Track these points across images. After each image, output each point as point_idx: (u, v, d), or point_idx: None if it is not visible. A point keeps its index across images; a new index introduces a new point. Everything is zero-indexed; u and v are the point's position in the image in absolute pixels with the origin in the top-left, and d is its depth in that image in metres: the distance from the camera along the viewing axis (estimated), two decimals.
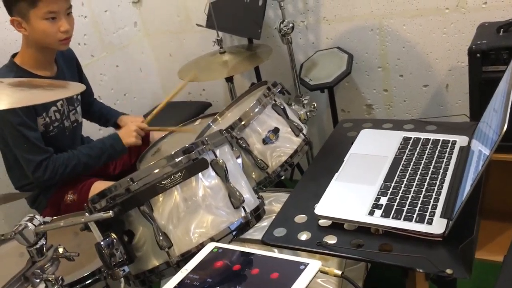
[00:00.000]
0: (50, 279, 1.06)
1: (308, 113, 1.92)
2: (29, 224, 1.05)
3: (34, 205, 1.94)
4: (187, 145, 1.17)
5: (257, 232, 1.37)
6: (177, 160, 1.14)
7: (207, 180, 1.16)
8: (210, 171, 1.17)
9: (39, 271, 1.05)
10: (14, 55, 1.76)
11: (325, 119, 2.58)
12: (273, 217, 1.56)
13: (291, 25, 1.87)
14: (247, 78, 2.66)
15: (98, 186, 1.84)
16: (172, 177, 1.11)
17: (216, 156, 1.19)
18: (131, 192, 1.10)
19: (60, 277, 1.13)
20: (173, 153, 1.15)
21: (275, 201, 1.62)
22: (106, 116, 2.16)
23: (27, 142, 1.67)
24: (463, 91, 2.19)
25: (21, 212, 2.00)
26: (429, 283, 1.15)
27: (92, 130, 2.38)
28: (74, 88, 1.09)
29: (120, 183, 1.12)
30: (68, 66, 1.94)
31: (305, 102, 1.93)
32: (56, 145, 1.82)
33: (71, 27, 1.72)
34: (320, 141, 2.62)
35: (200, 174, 1.15)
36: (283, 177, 1.55)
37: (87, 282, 1.36)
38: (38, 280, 1.06)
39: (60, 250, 1.11)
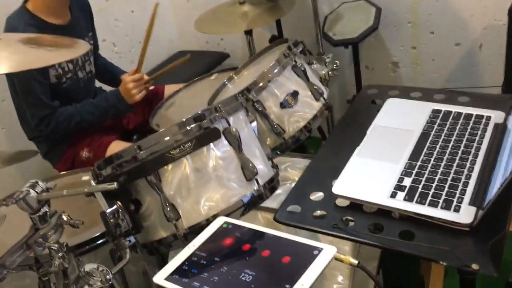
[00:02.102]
0: (53, 247, 1.03)
1: (330, 73, 1.81)
2: (31, 191, 1.00)
3: (47, 157, 1.92)
4: (199, 112, 1.09)
5: (270, 200, 1.32)
6: (188, 128, 1.06)
7: (219, 150, 1.09)
8: (223, 140, 1.10)
9: (41, 239, 1.01)
10: (26, 0, 1.67)
11: (347, 76, 2.46)
12: (288, 184, 1.51)
13: None
14: (268, 30, 2.53)
15: (115, 146, 1.79)
16: (182, 147, 1.04)
17: (229, 124, 1.11)
18: (138, 160, 1.04)
19: (64, 243, 1.09)
20: (184, 120, 1.08)
21: (291, 167, 1.55)
22: (111, 72, 2.07)
23: (32, 96, 1.63)
24: (498, 52, 2.05)
25: (36, 161, 1.97)
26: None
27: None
28: (81, 48, 1.01)
29: (127, 150, 1.06)
30: (82, 14, 1.85)
31: (328, 60, 1.81)
32: (70, 97, 1.77)
33: None
34: (341, 101, 2.51)
35: (212, 144, 1.08)
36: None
37: (97, 243, 1.35)
38: (40, 248, 1.02)
39: (64, 217, 1.07)
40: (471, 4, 2.06)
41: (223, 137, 1.09)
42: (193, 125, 1.06)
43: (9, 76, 1.66)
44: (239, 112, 1.18)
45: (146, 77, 1.85)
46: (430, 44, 2.24)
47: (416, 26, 2.22)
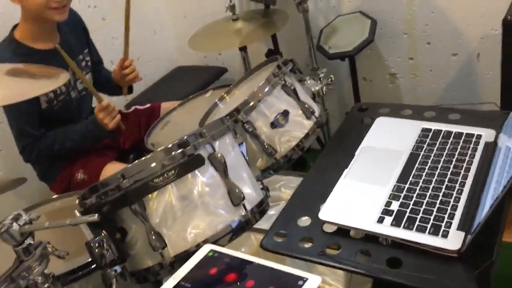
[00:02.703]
0: (38, 280, 1.02)
1: (324, 88, 1.80)
2: (14, 224, 0.99)
3: (44, 178, 1.92)
4: (184, 137, 1.08)
5: (264, 221, 1.30)
6: (171, 155, 1.05)
7: (204, 176, 1.08)
8: (208, 166, 1.08)
9: (25, 272, 1.00)
10: (14, 27, 1.68)
11: (346, 88, 2.44)
12: (281, 204, 1.50)
13: None
14: (264, 44, 2.52)
15: (110, 168, 1.78)
16: (165, 175, 1.02)
17: (214, 149, 1.09)
18: (122, 189, 1.03)
19: (50, 274, 1.08)
20: (168, 146, 1.07)
21: (285, 187, 1.53)
22: (115, 84, 2.06)
23: (16, 125, 1.68)
24: (495, 62, 2.01)
25: (33, 181, 1.96)
26: None
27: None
28: (62, 78, 1.01)
29: (111, 179, 1.05)
30: (73, 33, 1.85)
31: (322, 75, 1.79)
32: (62, 118, 1.77)
33: None
34: (340, 113, 2.49)
35: (196, 170, 1.06)
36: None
37: (89, 269, 1.33)
38: (24, 281, 1.01)
39: (49, 248, 1.06)
40: (467, 14, 2.04)
41: (208, 163, 1.08)
42: (177, 152, 1.05)
43: None
44: (226, 136, 1.16)
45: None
46: (427, 54, 2.22)
47: (412, 37, 2.20)
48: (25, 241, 1.01)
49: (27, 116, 1.64)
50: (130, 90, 2.00)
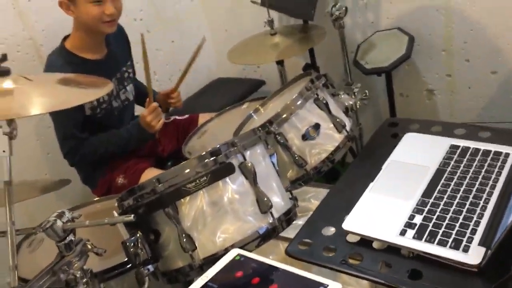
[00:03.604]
0: (77, 274, 1.09)
1: (358, 103, 1.83)
2: (58, 220, 1.07)
3: (86, 182, 2.02)
4: (217, 146, 1.14)
5: (292, 230, 1.34)
6: (204, 162, 1.11)
7: (234, 184, 1.13)
8: (238, 174, 1.13)
9: (66, 266, 1.08)
10: (65, 38, 1.79)
11: (382, 103, 2.45)
12: (309, 215, 1.53)
13: (344, 8, 1.76)
14: (302, 58, 2.57)
15: (148, 174, 1.87)
16: (198, 181, 1.08)
17: (245, 159, 1.15)
18: (157, 193, 1.09)
19: (88, 270, 1.16)
20: (202, 154, 1.13)
21: (314, 198, 1.57)
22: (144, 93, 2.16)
23: (63, 128, 1.76)
24: None
25: (77, 185, 2.07)
26: None
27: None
28: (106, 88, 1.09)
29: (147, 183, 1.12)
30: (119, 46, 1.95)
31: (356, 90, 1.82)
32: (104, 125, 1.86)
33: (117, 10, 1.72)
34: (375, 128, 2.49)
35: (227, 177, 1.12)
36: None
37: (125, 268, 1.40)
38: (65, 275, 1.08)
39: (89, 245, 1.13)
40: (507, 32, 2.02)
41: (238, 171, 1.13)
42: (209, 160, 1.11)
43: None
44: (257, 146, 1.21)
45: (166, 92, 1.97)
46: (465, 72, 2.21)
47: (450, 54, 2.20)
48: (67, 237, 1.09)
49: (73, 121, 1.74)
50: (167, 110, 2.13)
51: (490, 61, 2.13)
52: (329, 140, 1.44)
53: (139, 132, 1.83)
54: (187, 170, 1.10)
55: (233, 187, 1.13)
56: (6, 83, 0.99)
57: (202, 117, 2.13)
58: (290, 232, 1.30)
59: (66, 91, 1.06)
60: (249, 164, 1.14)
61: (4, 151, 1.01)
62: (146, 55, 1.77)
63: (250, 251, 1.11)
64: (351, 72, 2.12)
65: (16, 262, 1.07)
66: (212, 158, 1.11)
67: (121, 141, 1.85)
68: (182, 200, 1.10)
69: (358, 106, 1.82)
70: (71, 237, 1.10)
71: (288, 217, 1.20)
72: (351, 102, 1.72)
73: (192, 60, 1.92)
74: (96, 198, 1.77)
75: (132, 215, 1.03)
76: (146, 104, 1.85)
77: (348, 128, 1.47)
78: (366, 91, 1.87)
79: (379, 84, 2.37)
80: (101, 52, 1.83)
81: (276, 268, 0.96)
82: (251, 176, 1.14)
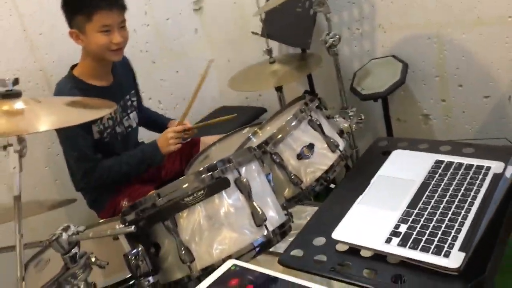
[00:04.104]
0: (81, 285, 1.15)
1: (353, 126, 1.90)
2: (63, 233, 1.14)
3: (93, 206, 2.08)
4: (214, 162, 1.21)
5: (284, 244, 1.39)
6: (201, 177, 1.18)
7: (230, 198, 1.19)
8: (234, 189, 1.20)
9: (70, 277, 1.14)
10: (72, 67, 1.89)
11: (380, 128, 2.52)
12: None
13: (337, 37, 1.85)
14: (301, 85, 2.66)
15: None
16: (195, 195, 1.15)
17: (240, 174, 1.21)
18: (157, 207, 1.16)
19: (92, 283, 1.21)
20: (200, 169, 1.20)
21: (310, 216, 1.61)
22: (158, 121, 2.25)
23: (78, 151, 1.79)
24: None
25: (83, 209, 2.14)
26: None
27: (152, 134, 2.49)
28: (111, 108, 1.18)
29: (148, 197, 1.18)
30: (124, 75, 2.05)
31: (351, 114, 1.90)
32: (109, 150, 1.93)
33: (124, 39, 1.82)
34: None
35: (223, 192, 1.18)
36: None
37: (129, 283, 1.45)
38: (69, 286, 1.14)
39: (92, 258, 1.19)
40: (497, 58, 2.10)
41: (234, 186, 1.20)
42: (206, 175, 1.18)
43: (58, 132, 1.87)
44: (252, 163, 1.28)
45: (189, 125, 2.03)
46: (459, 96, 2.28)
47: (444, 79, 2.28)
48: (72, 250, 1.15)
49: (84, 142, 1.81)
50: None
51: (482, 86, 2.20)
52: (323, 159, 1.50)
53: (152, 149, 1.91)
54: (185, 185, 1.17)
55: (229, 201, 1.19)
56: (18, 104, 1.07)
57: (204, 141, 2.21)
58: (283, 246, 1.35)
59: (73, 111, 1.15)
60: (244, 180, 1.21)
61: (14, 168, 1.09)
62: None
63: (246, 262, 1.16)
64: (348, 98, 2.20)
65: (24, 274, 1.12)
66: (208, 174, 1.18)
67: (134, 160, 1.91)
68: (180, 213, 1.17)
69: (353, 129, 1.90)
70: (75, 249, 1.16)
71: (283, 230, 1.26)
72: (346, 125, 1.80)
73: (201, 82, 2.01)
74: (102, 220, 1.82)
75: (133, 226, 1.10)
76: (177, 123, 1.97)
77: (341, 148, 1.54)
78: (362, 115, 1.94)
79: (377, 110, 2.45)
80: (107, 79, 1.93)
81: (269, 276, 1.01)
82: (246, 191, 1.20)
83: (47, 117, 1.08)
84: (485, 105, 2.23)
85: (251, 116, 2.77)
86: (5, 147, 1.07)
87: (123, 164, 1.89)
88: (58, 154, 2.27)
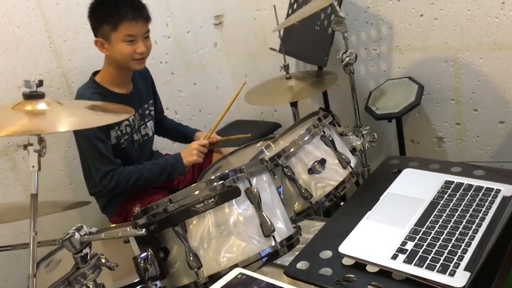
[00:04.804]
0: (90, 285, 1.17)
1: (366, 144, 1.91)
2: (76, 233, 1.16)
3: (105, 211, 2.11)
4: (226, 171, 1.23)
5: (291, 258, 1.40)
6: (213, 185, 1.20)
7: (240, 207, 1.21)
8: (244, 198, 1.22)
9: (80, 277, 1.16)
10: (94, 73, 1.94)
11: (393, 149, 2.53)
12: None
13: (353, 55, 1.87)
14: (316, 102, 2.69)
15: None
16: (206, 202, 1.17)
17: (251, 184, 1.24)
18: (168, 212, 1.18)
19: (101, 284, 1.24)
20: (212, 178, 1.22)
21: None
22: (183, 132, 2.29)
23: (98, 153, 1.82)
24: None
25: (95, 214, 2.17)
26: None
27: (165, 144, 2.53)
28: (129, 113, 1.21)
29: (160, 203, 1.21)
30: (143, 84, 2.10)
31: (364, 132, 1.91)
32: (126, 157, 1.97)
33: (147, 49, 1.87)
34: None
35: (234, 201, 1.21)
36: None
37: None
38: (79, 285, 1.16)
39: (102, 259, 1.21)
40: None
41: (244, 196, 1.22)
42: (218, 183, 1.20)
43: (76, 136, 1.91)
44: (263, 175, 1.30)
45: (217, 138, 2.13)
46: (474, 121, 2.28)
47: (459, 103, 2.28)
48: (83, 250, 1.17)
49: (104, 144, 1.84)
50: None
51: (497, 111, 2.20)
52: (334, 175, 1.52)
53: (175, 159, 1.95)
54: (197, 192, 1.19)
55: (238, 211, 1.21)
56: (40, 105, 1.11)
57: (217, 152, 2.23)
58: (289, 260, 1.36)
59: (92, 114, 1.19)
60: (255, 190, 1.23)
61: (33, 167, 1.12)
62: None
63: (253, 271, 1.18)
64: (362, 117, 2.22)
65: (35, 271, 1.15)
66: (220, 182, 1.20)
67: (156, 168, 1.93)
68: (190, 220, 1.19)
69: (366, 148, 1.91)
70: (87, 250, 1.18)
71: (290, 242, 1.27)
72: (358, 143, 1.81)
73: (233, 100, 2.11)
74: (113, 225, 1.85)
75: (144, 230, 1.12)
76: (206, 135, 2.08)
77: (352, 164, 1.55)
78: (375, 134, 1.95)
79: (391, 130, 2.46)
80: (127, 88, 1.98)
81: (275, 287, 1.02)
82: (256, 201, 1.22)
83: (68, 119, 1.11)
84: (500, 131, 2.23)
85: (266, 130, 2.79)
86: (25, 146, 1.10)
87: (145, 170, 1.91)
88: (74, 159, 2.31)
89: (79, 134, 1.88)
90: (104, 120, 1.18)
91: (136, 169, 1.90)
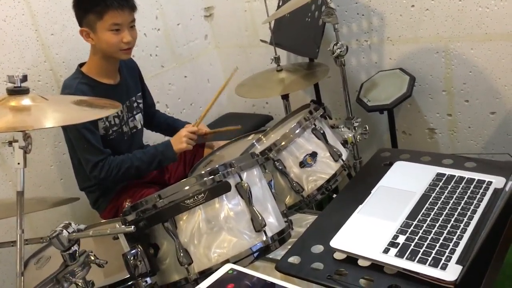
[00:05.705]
0: (79, 283, 1.15)
1: (357, 136, 1.90)
2: (64, 231, 1.15)
3: (95, 206, 2.09)
4: (216, 166, 1.22)
5: (283, 251, 1.39)
6: (203, 180, 1.19)
7: (230, 203, 1.20)
8: (234, 193, 1.21)
9: (69, 275, 1.14)
10: (81, 65, 1.92)
11: (385, 141, 2.52)
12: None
13: (344, 47, 1.86)
14: (308, 94, 2.67)
15: None
16: (196, 197, 1.16)
17: (241, 179, 1.22)
18: (157, 208, 1.17)
19: (91, 281, 1.22)
20: (202, 173, 1.20)
21: None
22: (173, 125, 2.27)
23: (87, 143, 1.81)
24: None
25: (87, 209, 2.15)
26: None
27: (157, 138, 2.51)
28: (116, 108, 1.19)
29: (150, 198, 1.19)
30: (131, 76, 2.07)
31: (356, 124, 1.90)
32: (115, 148, 1.95)
33: (133, 38, 1.85)
34: None
35: (224, 196, 1.19)
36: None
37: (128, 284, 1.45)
38: (68, 283, 1.15)
39: (91, 256, 1.20)
40: (504, 75, 2.10)
41: (235, 190, 1.21)
42: (208, 178, 1.19)
43: (65, 129, 1.88)
44: (254, 169, 1.29)
45: (206, 130, 2.09)
46: (465, 112, 2.28)
47: (450, 94, 2.28)
48: (72, 247, 1.16)
49: (92, 135, 1.82)
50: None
51: (488, 102, 2.20)
52: (326, 168, 1.51)
53: (165, 146, 1.93)
54: (187, 187, 1.18)
55: (229, 206, 1.20)
56: (25, 101, 1.09)
57: (208, 146, 2.22)
58: (281, 254, 1.35)
59: (78, 109, 1.16)
60: (245, 185, 1.21)
61: (19, 163, 1.10)
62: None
63: (244, 267, 1.17)
64: (353, 109, 2.21)
65: (23, 270, 1.13)
66: (210, 177, 1.19)
67: (146, 157, 1.91)
68: (180, 215, 1.17)
69: (358, 140, 1.90)
70: (75, 247, 1.17)
71: (281, 237, 1.26)
72: (350, 135, 1.81)
73: (222, 88, 2.05)
74: (103, 221, 1.83)
75: (133, 226, 1.10)
76: (195, 124, 2.02)
77: (344, 157, 1.54)
78: (366, 126, 1.95)
79: (382, 122, 2.45)
80: (114, 78, 1.96)
81: (267, 282, 1.01)
82: (246, 196, 1.21)
83: (53, 114, 1.09)
84: (491, 121, 2.23)
85: (257, 123, 2.78)
86: (10, 143, 1.08)
87: (135, 159, 1.89)
88: (64, 154, 2.29)
89: (67, 126, 1.86)
90: (90, 116, 1.16)
91: (126, 158, 1.88)
